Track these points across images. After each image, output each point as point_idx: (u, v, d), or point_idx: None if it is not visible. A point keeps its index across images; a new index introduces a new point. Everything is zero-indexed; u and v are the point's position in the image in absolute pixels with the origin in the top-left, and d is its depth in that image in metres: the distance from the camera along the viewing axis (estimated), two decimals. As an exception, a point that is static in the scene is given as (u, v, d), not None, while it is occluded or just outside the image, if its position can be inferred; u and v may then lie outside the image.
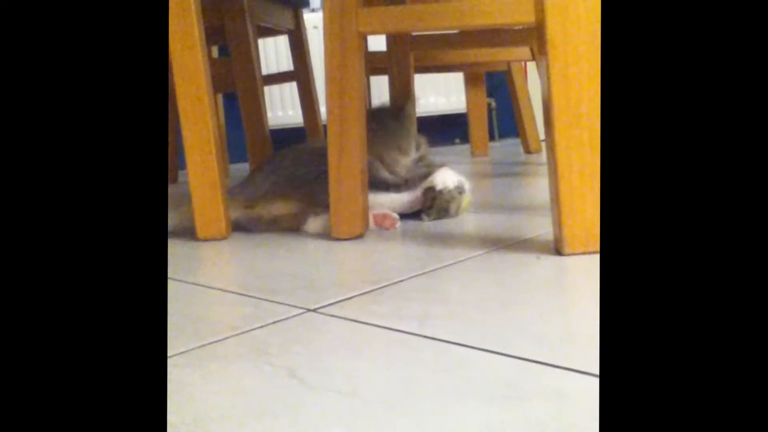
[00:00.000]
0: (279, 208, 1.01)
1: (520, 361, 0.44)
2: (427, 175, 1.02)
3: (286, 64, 2.41)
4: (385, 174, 1.04)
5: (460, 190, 1.02)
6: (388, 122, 1.10)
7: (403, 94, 1.50)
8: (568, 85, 0.69)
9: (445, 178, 1.01)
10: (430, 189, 1.00)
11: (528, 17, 0.80)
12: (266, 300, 0.65)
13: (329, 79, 0.89)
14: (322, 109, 1.80)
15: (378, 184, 1.00)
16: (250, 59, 1.43)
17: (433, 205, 1.00)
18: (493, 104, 2.74)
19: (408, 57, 1.52)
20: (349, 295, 0.64)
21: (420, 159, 1.10)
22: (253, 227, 1.04)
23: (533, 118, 2.14)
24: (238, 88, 1.45)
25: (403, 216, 1.03)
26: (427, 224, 1.00)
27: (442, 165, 1.08)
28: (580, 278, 0.64)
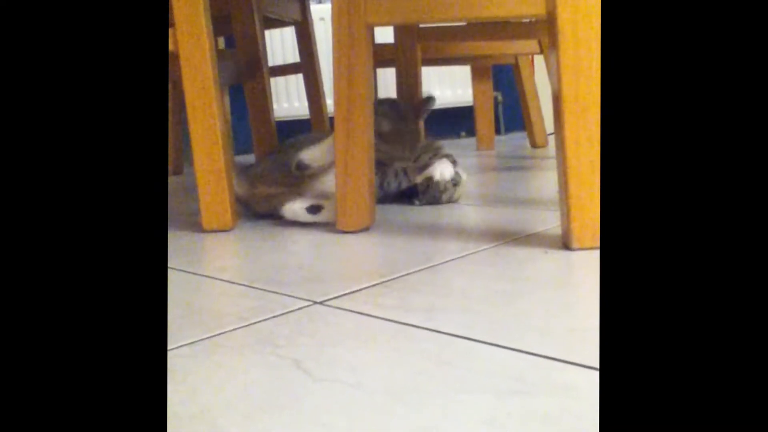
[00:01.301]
0: (270, 189, 1.07)
1: (526, 355, 0.44)
2: (426, 166, 1.11)
3: (293, 55, 2.40)
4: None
5: (455, 182, 1.11)
6: (407, 122, 1.20)
7: (410, 86, 1.49)
8: (578, 78, 0.69)
9: (443, 169, 1.10)
10: (429, 179, 1.09)
11: (538, 9, 0.79)
12: (272, 292, 0.65)
13: (337, 71, 0.88)
14: (329, 101, 1.80)
15: None
16: (257, 50, 1.42)
17: (427, 192, 1.10)
18: (500, 98, 2.73)
19: (415, 49, 1.51)
20: (356, 288, 0.64)
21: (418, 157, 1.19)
22: (253, 204, 1.09)
23: (540, 112, 2.13)
24: (244, 79, 1.45)
25: (395, 201, 1.13)
26: (435, 217, 1.00)
27: (442, 156, 1.17)
28: (588, 273, 0.64)
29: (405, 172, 1.11)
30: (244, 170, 1.13)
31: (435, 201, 1.11)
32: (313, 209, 0.99)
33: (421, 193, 1.10)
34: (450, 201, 1.12)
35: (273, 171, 1.08)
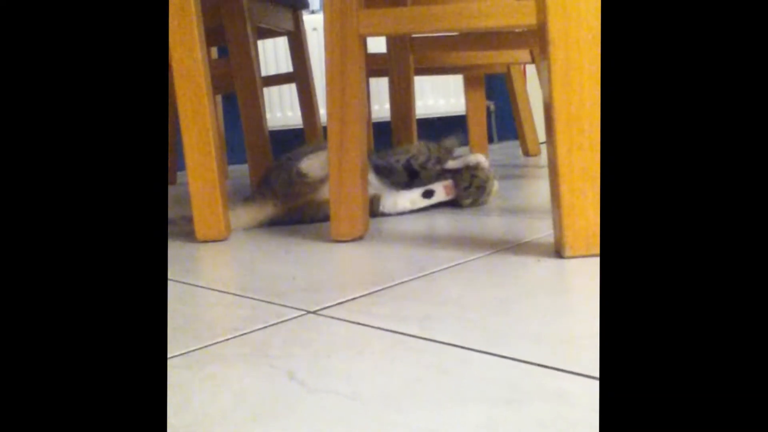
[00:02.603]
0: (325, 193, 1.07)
1: (521, 363, 0.44)
2: (459, 157, 1.12)
3: (286, 65, 2.41)
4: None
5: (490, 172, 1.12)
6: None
7: (403, 95, 1.50)
8: (570, 87, 0.69)
9: (478, 158, 1.09)
10: (468, 167, 1.08)
11: (529, 19, 0.80)
12: (266, 301, 0.65)
13: (330, 81, 0.88)
14: (322, 111, 1.80)
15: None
16: (250, 60, 1.43)
17: (472, 184, 1.08)
18: (492, 107, 2.74)
19: (408, 59, 1.52)
20: (350, 297, 0.64)
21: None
22: (288, 216, 1.09)
23: (532, 120, 2.14)
24: (237, 89, 1.45)
25: (415, 211, 1.11)
26: (427, 226, 1.00)
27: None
28: (581, 281, 0.64)
29: (436, 158, 1.12)
30: (259, 192, 1.11)
31: (482, 193, 1.08)
32: (428, 194, 1.03)
33: (465, 188, 1.09)
34: (491, 195, 1.10)
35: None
